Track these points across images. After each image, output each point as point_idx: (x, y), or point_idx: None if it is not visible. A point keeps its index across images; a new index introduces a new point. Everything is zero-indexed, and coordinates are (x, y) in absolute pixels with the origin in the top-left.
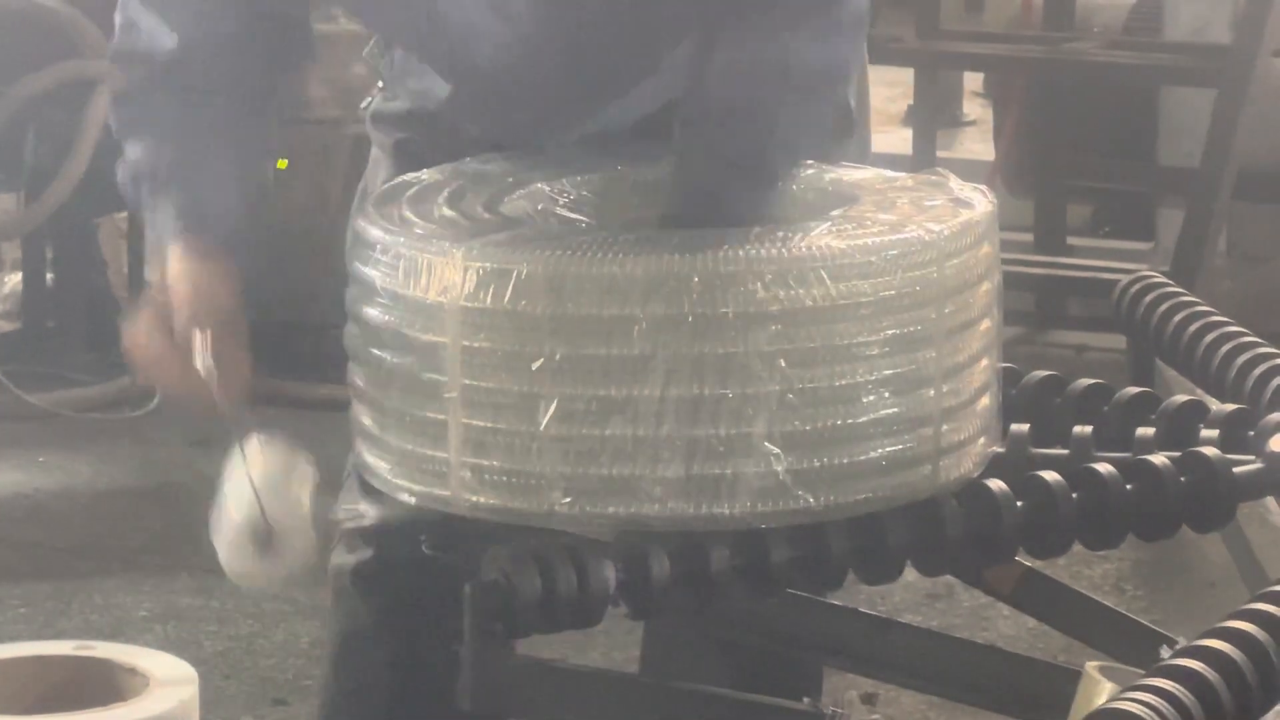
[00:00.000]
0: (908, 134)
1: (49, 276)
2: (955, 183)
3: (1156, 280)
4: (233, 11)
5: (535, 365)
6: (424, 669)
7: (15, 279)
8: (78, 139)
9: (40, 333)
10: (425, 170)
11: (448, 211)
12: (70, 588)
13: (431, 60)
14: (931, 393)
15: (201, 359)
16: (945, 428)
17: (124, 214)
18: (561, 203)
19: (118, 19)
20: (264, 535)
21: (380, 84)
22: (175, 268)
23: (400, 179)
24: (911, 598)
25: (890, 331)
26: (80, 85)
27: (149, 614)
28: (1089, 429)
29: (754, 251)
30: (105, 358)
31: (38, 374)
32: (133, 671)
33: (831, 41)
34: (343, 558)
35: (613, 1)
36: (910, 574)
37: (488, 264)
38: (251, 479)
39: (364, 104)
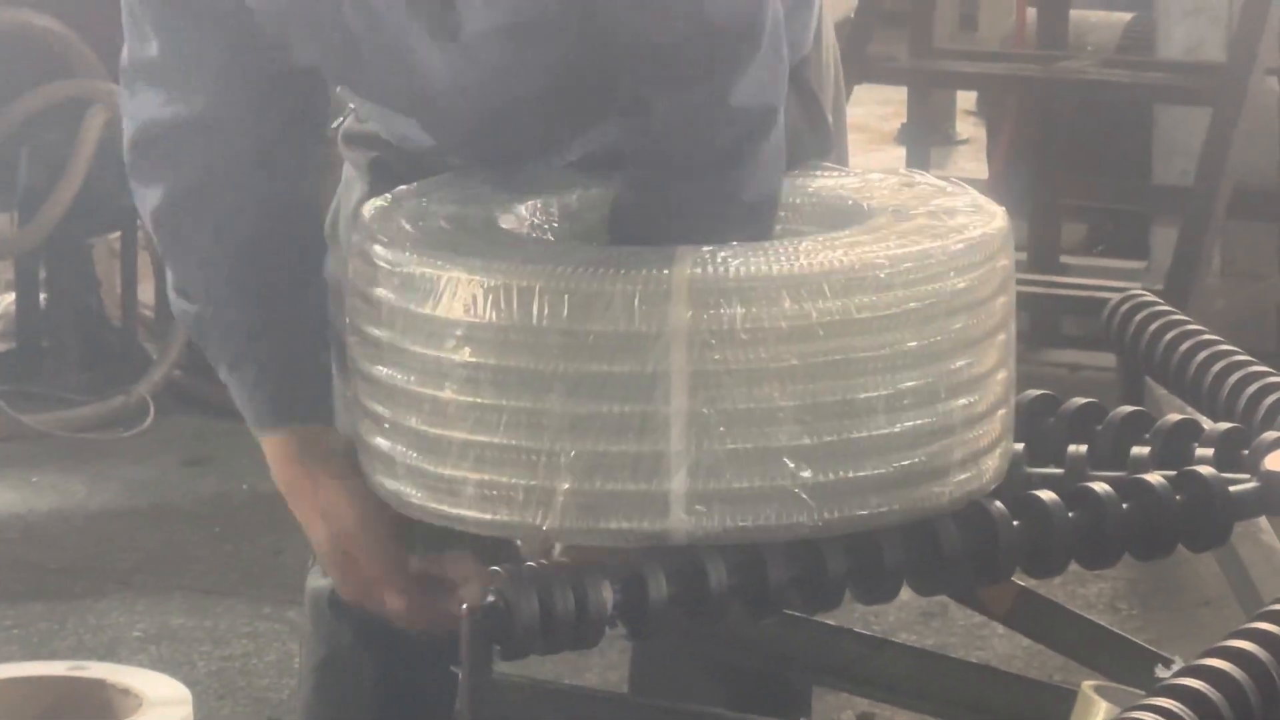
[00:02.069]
0: (901, 152)
1: (42, 297)
2: (973, 195)
3: (1146, 299)
4: (254, 73)
5: (545, 381)
6: (405, 689)
7: (8, 299)
8: (71, 159)
9: (34, 353)
10: (418, 183)
11: (449, 228)
12: (64, 608)
13: (416, 117)
14: (950, 406)
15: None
16: (963, 439)
17: (117, 234)
18: (562, 218)
19: (125, 107)
20: None
21: (351, 105)
22: (329, 501)
23: (395, 195)
24: (906, 617)
25: (907, 345)
26: (74, 105)
27: (143, 634)
28: (1084, 448)
29: (768, 265)
30: (99, 378)
31: (31, 394)
32: (126, 692)
33: (758, 75)
34: (319, 580)
35: (569, 48)
36: (905, 593)
37: (496, 280)
38: None
39: (335, 123)
